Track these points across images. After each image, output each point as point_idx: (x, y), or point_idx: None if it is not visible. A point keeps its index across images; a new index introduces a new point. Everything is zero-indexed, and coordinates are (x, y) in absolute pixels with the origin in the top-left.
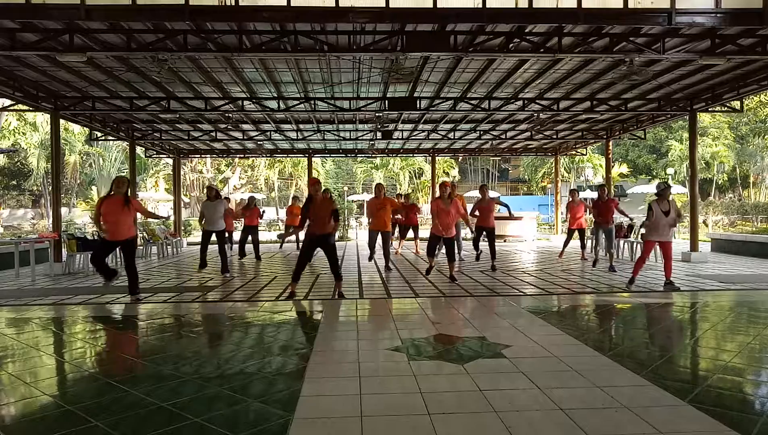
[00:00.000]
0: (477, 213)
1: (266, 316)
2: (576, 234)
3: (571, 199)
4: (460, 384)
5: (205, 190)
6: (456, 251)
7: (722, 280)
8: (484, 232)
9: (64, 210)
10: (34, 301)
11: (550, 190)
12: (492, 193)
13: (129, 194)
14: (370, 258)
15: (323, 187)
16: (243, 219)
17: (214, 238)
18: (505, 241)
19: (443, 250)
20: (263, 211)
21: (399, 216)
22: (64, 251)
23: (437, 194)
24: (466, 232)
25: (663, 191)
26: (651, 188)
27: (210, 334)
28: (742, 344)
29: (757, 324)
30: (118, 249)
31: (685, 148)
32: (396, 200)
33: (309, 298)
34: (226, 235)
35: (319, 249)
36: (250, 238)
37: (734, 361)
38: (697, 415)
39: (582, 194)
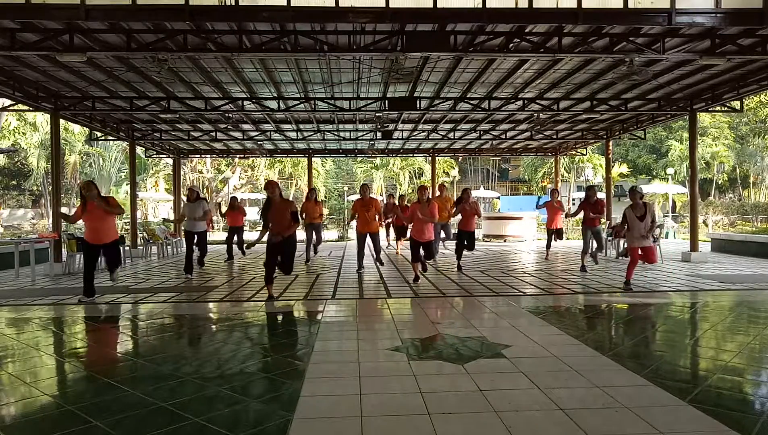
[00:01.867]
0: (459, 215)
1: (265, 316)
2: (554, 234)
3: (550, 199)
4: (460, 384)
5: (203, 191)
6: (435, 250)
7: (722, 280)
8: (467, 238)
9: (64, 210)
10: (34, 301)
11: (550, 188)
12: (492, 193)
13: (101, 194)
14: (360, 267)
15: (312, 186)
16: (226, 219)
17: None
18: (504, 241)
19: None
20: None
21: (389, 219)
22: (64, 251)
23: (426, 196)
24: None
25: (631, 196)
26: (651, 188)
27: (210, 334)
28: (742, 344)
29: (757, 324)
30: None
31: (685, 148)
32: (380, 203)
33: (309, 298)
34: (207, 235)
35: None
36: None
37: (734, 361)
38: (697, 415)
39: (582, 194)
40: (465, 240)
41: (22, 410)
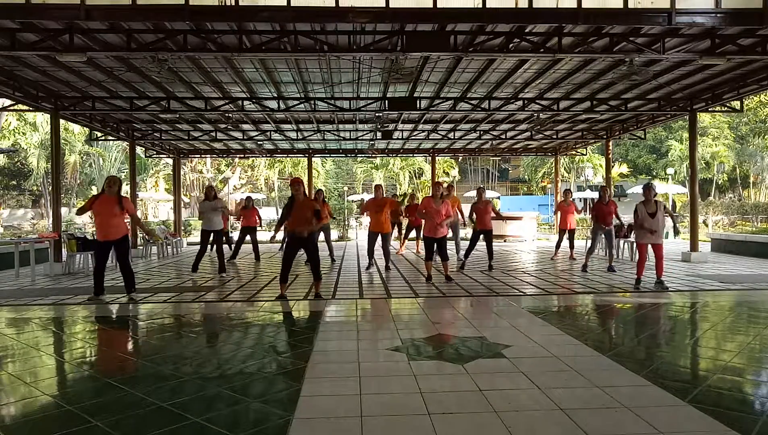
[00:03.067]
0: (474, 215)
1: (266, 316)
2: (566, 234)
3: (563, 200)
4: (460, 384)
5: (204, 190)
6: (456, 250)
7: (722, 280)
8: (481, 235)
9: (64, 210)
10: (34, 301)
11: (550, 190)
12: (492, 193)
13: (121, 194)
14: (369, 266)
15: (317, 187)
16: (240, 219)
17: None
18: (505, 241)
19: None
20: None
21: (402, 216)
22: (64, 251)
23: (441, 192)
24: (466, 232)
25: (645, 192)
26: None
27: (210, 334)
28: (742, 344)
29: (757, 324)
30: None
31: (685, 148)
32: (396, 200)
33: (308, 298)
34: (223, 234)
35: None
36: (248, 238)
37: (734, 361)
38: (697, 415)
39: (582, 194)
40: (481, 237)
41: (22, 410)
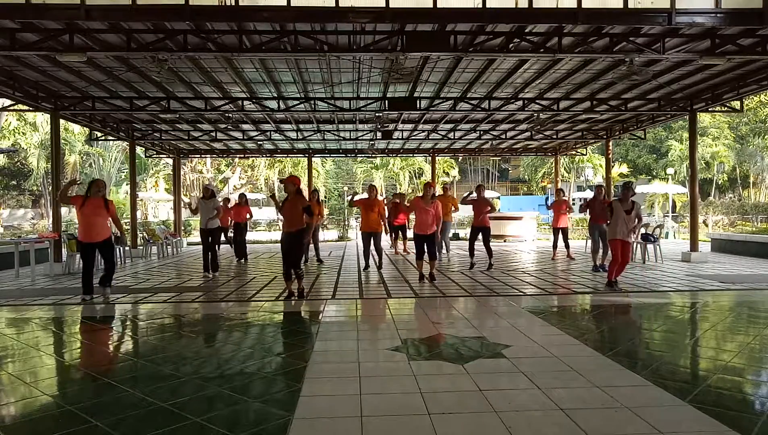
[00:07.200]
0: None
1: (266, 316)
2: (560, 233)
3: (555, 200)
4: (460, 384)
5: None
6: (442, 249)
7: (722, 280)
8: (480, 233)
9: (64, 210)
10: (34, 301)
11: (550, 190)
12: (492, 193)
13: (108, 197)
14: (366, 267)
15: (314, 187)
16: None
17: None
18: (504, 241)
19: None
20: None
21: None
22: (64, 251)
23: (432, 193)
24: (465, 233)
25: (623, 191)
26: (651, 188)
27: (210, 334)
28: (742, 344)
29: (757, 324)
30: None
31: (685, 148)
32: (384, 204)
33: (308, 298)
34: (221, 233)
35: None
36: (236, 236)
37: (734, 361)
38: (697, 415)
39: (583, 194)
40: (478, 235)
41: (22, 410)
